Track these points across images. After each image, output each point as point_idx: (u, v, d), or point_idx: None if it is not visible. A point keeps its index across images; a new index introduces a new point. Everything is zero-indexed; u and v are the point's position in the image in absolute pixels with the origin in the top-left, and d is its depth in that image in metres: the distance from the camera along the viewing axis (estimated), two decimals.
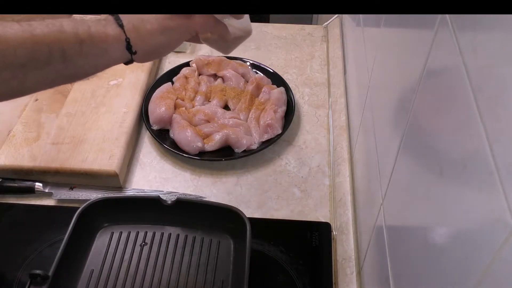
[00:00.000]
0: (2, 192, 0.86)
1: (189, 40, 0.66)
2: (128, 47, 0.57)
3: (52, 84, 0.57)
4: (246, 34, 0.68)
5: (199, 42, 0.68)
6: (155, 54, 0.62)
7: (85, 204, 0.76)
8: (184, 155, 0.90)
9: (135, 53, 0.58)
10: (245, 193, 0.88)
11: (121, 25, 0.56)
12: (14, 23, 0.52)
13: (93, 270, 0.74)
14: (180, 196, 0.85)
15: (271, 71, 1.08)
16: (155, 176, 0.91)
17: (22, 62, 0.52)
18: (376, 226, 0.63)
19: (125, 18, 0.58)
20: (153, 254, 0.76)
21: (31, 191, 0.86)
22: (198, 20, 0.61)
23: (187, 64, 1.09)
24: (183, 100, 1.00)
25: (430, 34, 0.45)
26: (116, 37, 0.56)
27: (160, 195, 0.81)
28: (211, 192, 0.88)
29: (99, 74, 1.03)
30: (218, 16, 0.63)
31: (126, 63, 0.60)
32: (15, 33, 0.51)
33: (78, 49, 0.54)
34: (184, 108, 0.97)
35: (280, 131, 0.94)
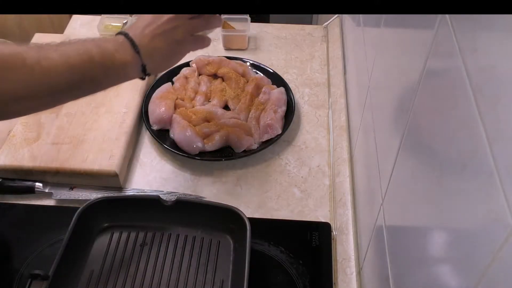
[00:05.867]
0: (2, 192, 0.86)
1: None
2: (143, 70, 0.67)
3: (77, 99, 0.67)
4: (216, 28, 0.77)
5: None
6: (162, 71, 0.76)
7: (85, 204, 0.76)
8: (184, 155, 0.90)
9: (148, 74, 0.69)
10: (245, 193, 0.88)
11: (138, 52, 0.66)
12: (52, 50, 0.60)
13: (93, 270, 0.74)
14: (180, 196, 0.85)
15: (271, 71, 1.08)
16: (155, 176, 0.91)
17: (61, 89, 0.61)
18: (376, 226, 0.63)
19: (140, 43, 0.66)
20: (153, 254, 0.76)
21: (31, 191, 0.86)
22: (193, 43, 0.73)
23: (187, 64, 1.09)
24: (183, 100, 1.00)
25: (430, 34, 0.45)
26: (134, 62, 0.66)
27: (160, 195, 0.81)
28: (211, 192, 0.88)
29: None
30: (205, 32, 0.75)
31: (140, 78, 0.70)
32: (56, 64, 0.59)
33: (104, 75, 0.64)
34: (184, 108, 0.97)
35: (280, 131, 0.94)
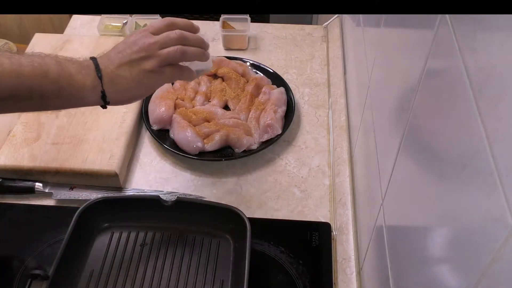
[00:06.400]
0: (2, 192, 0.86)
1: None
2: (103, 97, 0.64)
3: (24, 112, 0.65)
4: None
5: None
6: (127, 103, 0.68)
7: (85, 204, 0.76)
8: (184, 155, 0.90)
9: (108, 102, 0.65)
10: (245, 193, 0.88)
11: (100, 77, 0.63)
12: (6, 57, 0.58)
13: (93, 270, 0.74)
14: (180, 196, 0.85)
15: (271, 71, 1.08)
16: (155, 176, 0.91)
17: (3, 96, 0.58)
18: (376, 226, 0.63)
19: (105, 70, 0.63)
20: (153, 254, 0.76)
21: (31, 191, 0.86)
22: (169, 74, 0.67)
23: None
24: (183, 100, 1.00)
25: (430, 34, 0.45)
26: (93, 88, 0.63)
27: (160, 195, 0.81)
28: (211, 192, 0.88)
29: None
30: (186, 63, 0.69)
31: (101, 106, 0.66)
32: (3, 70, 0.57)
33: (56, 94, 0.61)
34: (184, 108, 0.97)
35: (280, 131, 0.94)
